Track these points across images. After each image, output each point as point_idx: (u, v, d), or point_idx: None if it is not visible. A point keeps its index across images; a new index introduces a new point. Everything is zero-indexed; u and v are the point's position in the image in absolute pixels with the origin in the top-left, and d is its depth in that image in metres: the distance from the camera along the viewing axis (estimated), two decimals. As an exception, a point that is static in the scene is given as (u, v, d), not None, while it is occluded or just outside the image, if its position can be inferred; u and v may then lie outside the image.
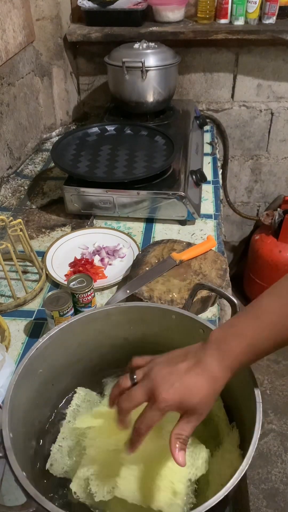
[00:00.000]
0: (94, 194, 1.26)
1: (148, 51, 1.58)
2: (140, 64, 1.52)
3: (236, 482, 0.52)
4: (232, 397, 0.69)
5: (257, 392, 0.60)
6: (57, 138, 1.83)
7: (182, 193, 1.22)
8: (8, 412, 0.60)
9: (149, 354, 0.65)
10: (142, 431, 0.54)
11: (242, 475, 0.53)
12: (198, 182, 1.35)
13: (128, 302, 0.77)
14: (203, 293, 0.96)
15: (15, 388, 0.63)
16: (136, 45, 1.61)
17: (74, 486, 0.64)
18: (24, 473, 0.54)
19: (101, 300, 1.05)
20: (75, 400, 0.76)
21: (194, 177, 1.34)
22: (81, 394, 0.77)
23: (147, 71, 1.55)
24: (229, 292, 1.00)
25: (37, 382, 0.70)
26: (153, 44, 1.62)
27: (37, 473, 0.68)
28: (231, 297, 0.76)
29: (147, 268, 1.04)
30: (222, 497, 0.50)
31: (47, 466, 0.69)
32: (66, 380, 0.77)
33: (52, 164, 1.60)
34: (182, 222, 1.29)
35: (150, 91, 1.60)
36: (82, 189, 1.26)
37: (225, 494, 0.51)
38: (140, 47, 1.60)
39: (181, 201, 1.23)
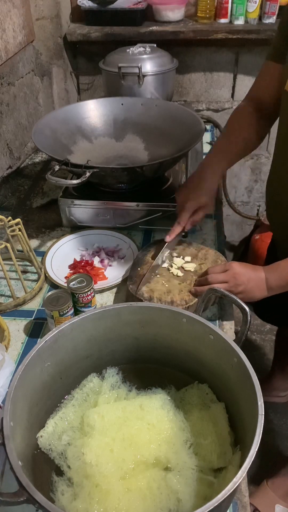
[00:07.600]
0: (92, 206, 1.20)
1: (145, 56, 1.56)
2: (137, 70, 1.51)
3: (228, 494, 0.51)
4: (240, 419, 0.69)
5: (260, 404, 0.59)
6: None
7: None
8: (11, 401, 0.60)
9: (161, 357, 0.80)
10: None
11: (235, 487, 0.52)
12: None
13: (139, 302, 0.76)
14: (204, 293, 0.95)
15: (20, 378, 0.63)
16: (132, 49, 1.59)
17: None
18: (20, 463, 0.55)
19: (101, 300, 1.05)
20: (86, 387, 0.77)
21: None
22: (94, 381, 0.78)
23: (144, 76, 1.53)
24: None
25: (45, 374, 0.71)
26: (149, 48, 1.60)
27: (40, 455, 0.69)
28: (243, 304, 0.75)
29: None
30: (213, 506, 0.50)
31: (38, 435, 0.70)
32: (74, 375, 0.78)
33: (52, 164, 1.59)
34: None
35: (147, 96, 1.57)
36: (79, 201, 1.20)
37: (216, 504, 0.50)
38: (136, 52, 1.58)
39: None
